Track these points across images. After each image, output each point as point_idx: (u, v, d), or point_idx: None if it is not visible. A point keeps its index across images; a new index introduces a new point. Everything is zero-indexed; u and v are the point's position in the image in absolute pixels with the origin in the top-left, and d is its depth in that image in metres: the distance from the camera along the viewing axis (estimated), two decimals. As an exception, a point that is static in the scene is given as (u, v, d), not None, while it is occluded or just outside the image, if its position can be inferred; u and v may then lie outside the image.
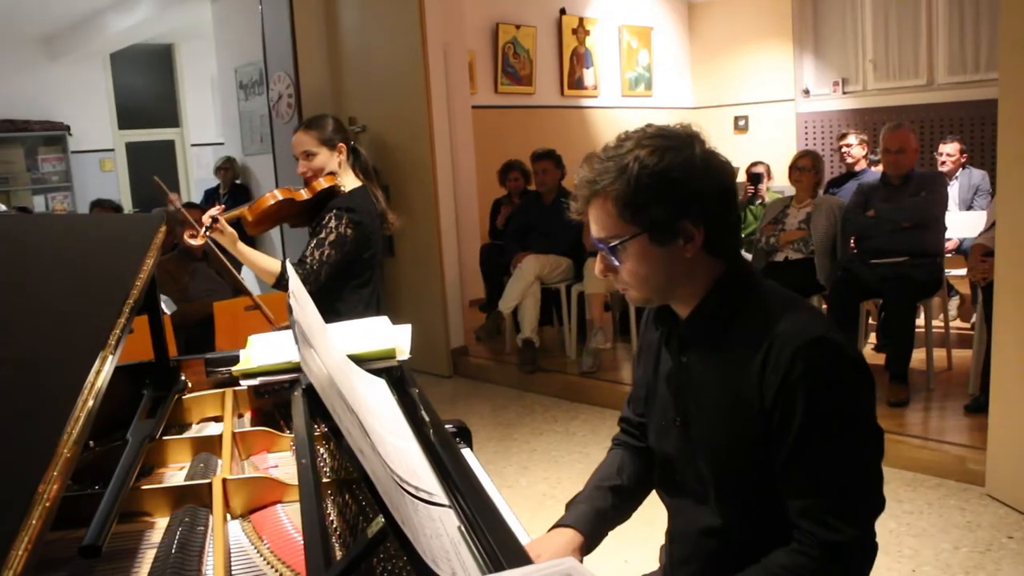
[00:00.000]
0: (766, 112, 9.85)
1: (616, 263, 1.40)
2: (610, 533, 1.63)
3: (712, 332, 1.42)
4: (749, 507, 1.43)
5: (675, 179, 1.32)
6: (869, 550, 1.35)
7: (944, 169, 5.95)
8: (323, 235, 2.87)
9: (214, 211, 2.85)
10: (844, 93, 9.21)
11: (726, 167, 1.40)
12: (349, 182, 3.01)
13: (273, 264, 2.89)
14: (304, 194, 2.96)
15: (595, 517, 1.56)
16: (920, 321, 4.70)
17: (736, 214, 1.44)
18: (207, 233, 2.84)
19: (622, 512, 1.63)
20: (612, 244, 1.38)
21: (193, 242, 2.91)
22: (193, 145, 11.16)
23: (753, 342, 1.35)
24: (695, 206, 1.34)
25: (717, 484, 1.44)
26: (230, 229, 2.84)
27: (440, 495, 1.24)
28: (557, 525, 1.57)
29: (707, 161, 1.35)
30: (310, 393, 0.91)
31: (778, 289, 1.44)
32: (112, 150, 10.63)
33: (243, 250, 2.88)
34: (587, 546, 1.54)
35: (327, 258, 2.87)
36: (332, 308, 2.86)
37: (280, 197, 2.94)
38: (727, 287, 1.40)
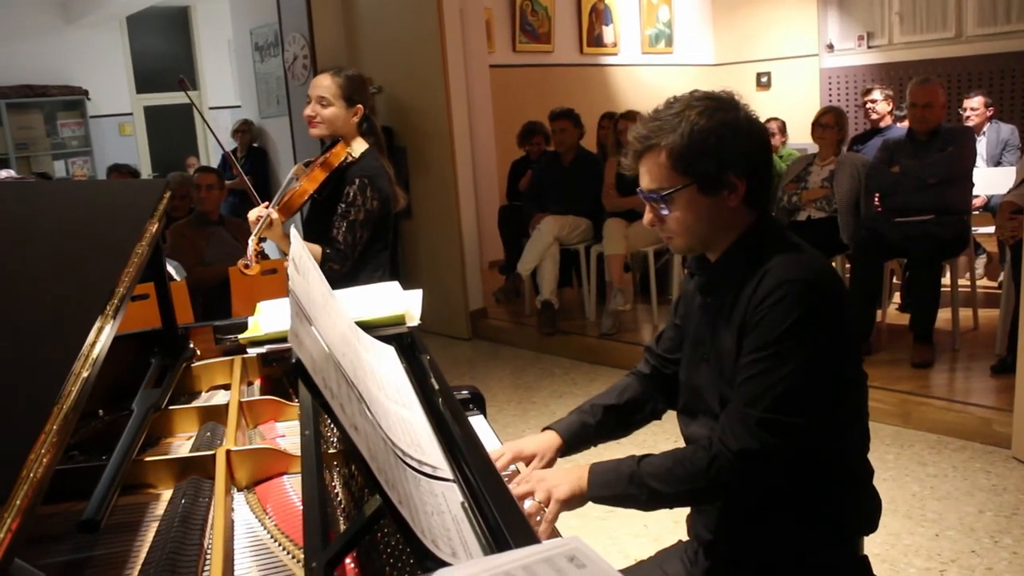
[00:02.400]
0: (789, 68, 9.65)
1: (665, 212, 1.52)
2: None
3: (734, 274, 1.53)
4: None
5: (723, 136, 1.46)
6: (812, 466, 1.46)
7: (969, 124, 5.81)
8: (352, 215, 2.82)
9: (256, 226, 2.73)
10: (869, 47, 9.00)
11: (764, 128, 1.57)
12: (357, 146, 2.94)
13: (317, 251, 2.80)
14: (322, 173, 2.85)
15: (579, 428, 1.75)
16: (946, 280, 4.61)
17: (771, 170, 1.57)
18: (258, 258, 2.74)
19: (610, 430, 1.78)
20: (664, 194, 1.50)
21: (247, 272, 2.79)
22: (211, 108, 11.11)
23: (754, 279, 1.48)
24: (740, 160, 1.48)
25: None
26: (279, 227, 2.78)
27: (445, 468, 1.20)
28: (546, 428, 1.75)
29: (750, 122, 1.51)
30: (299, 370, 0.87)
31: (793, 238, 1.55)
32: (131, 114, 10.62)
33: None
34: (564, 450, 1.72)
35: (360, 239, 2.85)
36: (354, 276, 2.83)
37: (310, 191, 2.84)
38: (755, 234, 1.53)
